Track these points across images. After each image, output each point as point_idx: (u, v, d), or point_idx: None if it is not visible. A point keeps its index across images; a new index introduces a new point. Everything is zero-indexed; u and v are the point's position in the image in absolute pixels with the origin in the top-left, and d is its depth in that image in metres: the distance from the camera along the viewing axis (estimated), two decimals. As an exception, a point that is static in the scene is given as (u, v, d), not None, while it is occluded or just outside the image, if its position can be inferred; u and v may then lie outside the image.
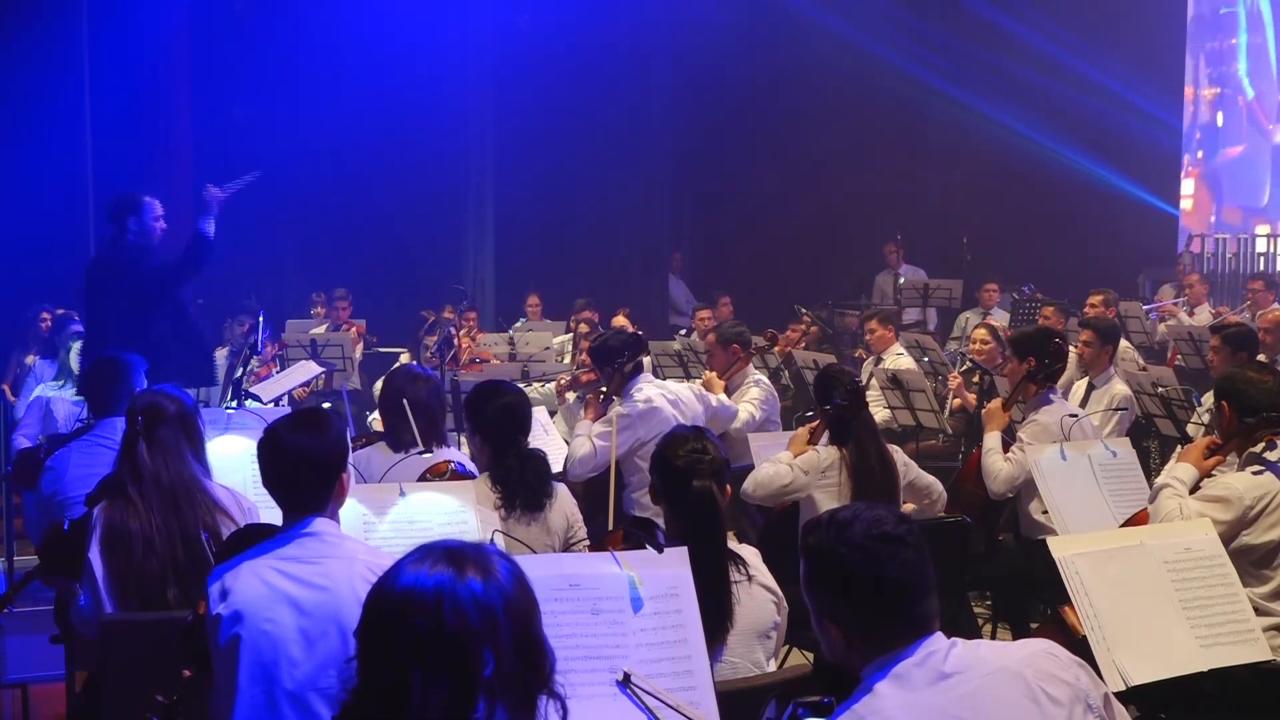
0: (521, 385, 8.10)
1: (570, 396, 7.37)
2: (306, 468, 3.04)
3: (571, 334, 11.10)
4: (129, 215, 7.17)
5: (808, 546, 2.34)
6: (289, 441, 3.06)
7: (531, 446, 4.53)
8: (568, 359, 10.67)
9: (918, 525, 2.33)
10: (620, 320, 10.94)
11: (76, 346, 8.68)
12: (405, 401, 4.75)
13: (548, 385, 9.04)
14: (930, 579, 2.28)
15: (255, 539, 3.07)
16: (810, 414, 5.68)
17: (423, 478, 4.44)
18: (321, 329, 11.38)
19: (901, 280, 13.39)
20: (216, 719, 2.89)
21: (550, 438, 6.40)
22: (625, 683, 2.77)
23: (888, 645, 2.24)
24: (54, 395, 8.08)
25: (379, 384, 7.15)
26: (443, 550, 1.90)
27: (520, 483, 4.31)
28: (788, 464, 5.10)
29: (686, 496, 3.42)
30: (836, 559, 2.27)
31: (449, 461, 4.57)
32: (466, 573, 1.87)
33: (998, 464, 5.49)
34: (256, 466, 4.20)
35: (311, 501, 3.04)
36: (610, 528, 4.60)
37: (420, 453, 4.65)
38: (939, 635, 2.27)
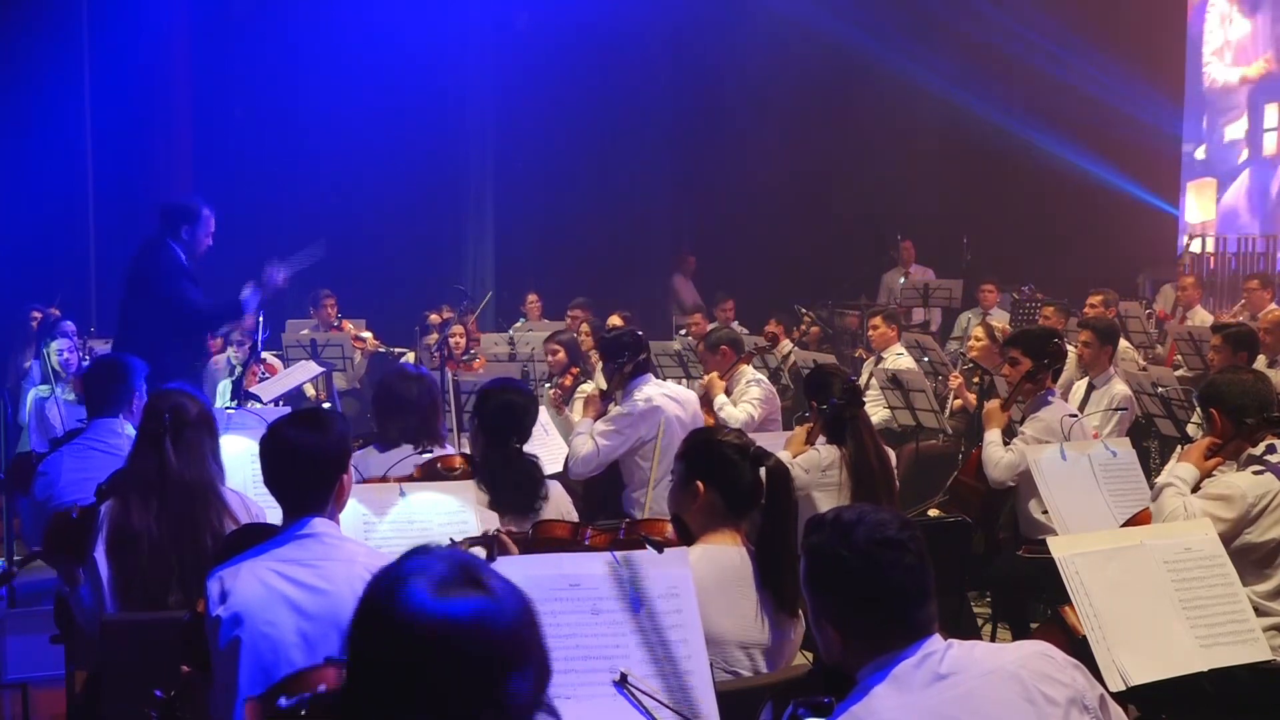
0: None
1: (577, 412, 7.30)
2: (306, 466, 3.04)
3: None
4: (184, 223, 6.94)
5: (810, 546, 2.34)
6: (290, 440, 3.06)
7: (528, 451, 4.53)
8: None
9: (920, 530, 2.33)
10: (616, 320, 10.94)
11: (55, 346, 8.67)
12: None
13: (546, 386, 9.03)
14: (930, 584, 2.28)
15: (254, 539, 3.07)
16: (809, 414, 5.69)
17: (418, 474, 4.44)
18: (306, 330, 11.36)
19: (901, 281, 13.40)
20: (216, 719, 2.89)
21: (550, 437, 6.40)
22: (622, 683, 2.77)
23: (885, 647, 2.24)
24: (46, 398, 8.07)
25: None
26: (458, 568, 1.71)
27: (508, 485, 4.31)
28: (788, 463, 5.10)
29: (746, 476, 3.38)
30: (838, 561, 2.27)
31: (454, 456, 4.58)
32: (496, 594, 1.70)
33: (998, 453, 5.51)
34: (256, 466, 4.21)
35: (311, 501, 3.04)
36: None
37: (420, 452, 4.65)
38: (936, 637, 2.27)
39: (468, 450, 4.86)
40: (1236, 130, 15.17)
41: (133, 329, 7.02)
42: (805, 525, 2.41)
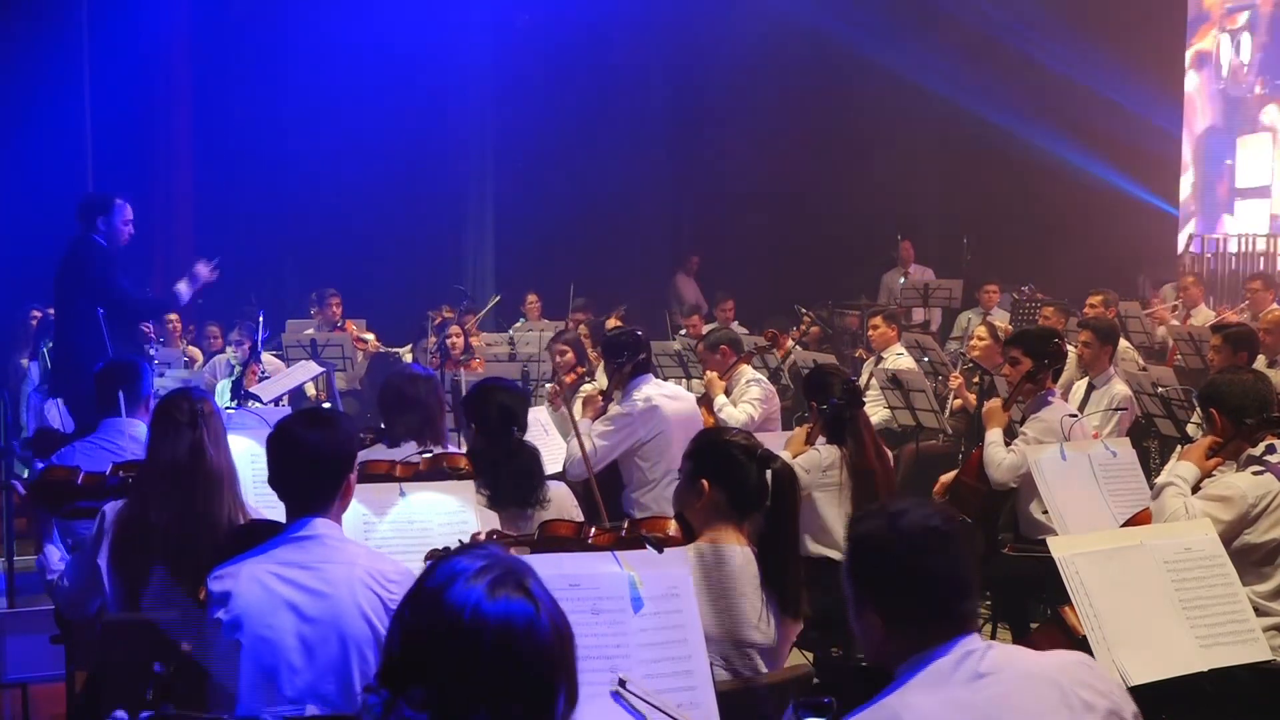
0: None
1: (577, 412, 7.28)
2: (313, 465, 3.03)
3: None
4: (98, 215, 7.12)
5: (858, 534, 2.37)
6: (299, 438, 3.05)
7: (530, 444, 4.55)
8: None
9: (964, 525, 2.36)
10: (614, 322, 10.94)
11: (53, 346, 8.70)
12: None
13: (547, 385, 9.03)
14: (973, 579, 2.31)
15: (257, 537, 3.07)
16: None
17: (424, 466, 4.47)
18: (311, 330, 11.37)
19: (901, 281, 13.39)
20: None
21: (550, 438, 6.40)
22: (620, 688, 2.77)
23: (927, 640, 2.26)
24: (45, 399, 8.07)
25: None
26: (509, 573, 1.80)
27: (509, 480, 4.32)
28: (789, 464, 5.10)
29: (752, 477, 3.39)
30: (888, 546, 2.30)
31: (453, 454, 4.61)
32: (539, 604, 1.79)
33: (1000, 454, 5.50)
34: (256, 466, 4.21)
35: (315, 502, 3.03)
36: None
37: (421, 452, 4.66)
38: (976, 636, 2.29)
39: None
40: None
41: (71, 326, 7.11)
42: (853, 518, 2.45)
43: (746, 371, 7.51)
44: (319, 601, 2.89)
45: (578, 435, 5.03)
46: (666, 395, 5.96)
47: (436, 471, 4.40)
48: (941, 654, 2.24)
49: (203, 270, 7.55)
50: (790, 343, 10.35)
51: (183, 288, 7.48)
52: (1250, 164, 14.77)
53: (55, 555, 3.97)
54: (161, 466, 3.72)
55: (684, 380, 8.93)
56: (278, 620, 2.86)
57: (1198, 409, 6.78)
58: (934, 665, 2.23)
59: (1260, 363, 7.20)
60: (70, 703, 4.26)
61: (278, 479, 3.08)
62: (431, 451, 4.68)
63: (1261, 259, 14.14)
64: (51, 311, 9.93)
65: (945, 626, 2.26)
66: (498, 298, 13.08)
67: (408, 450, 4.69)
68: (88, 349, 6.76)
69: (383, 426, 5.00)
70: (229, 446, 3.87)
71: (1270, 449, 4.21)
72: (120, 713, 2.03)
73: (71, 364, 6.95)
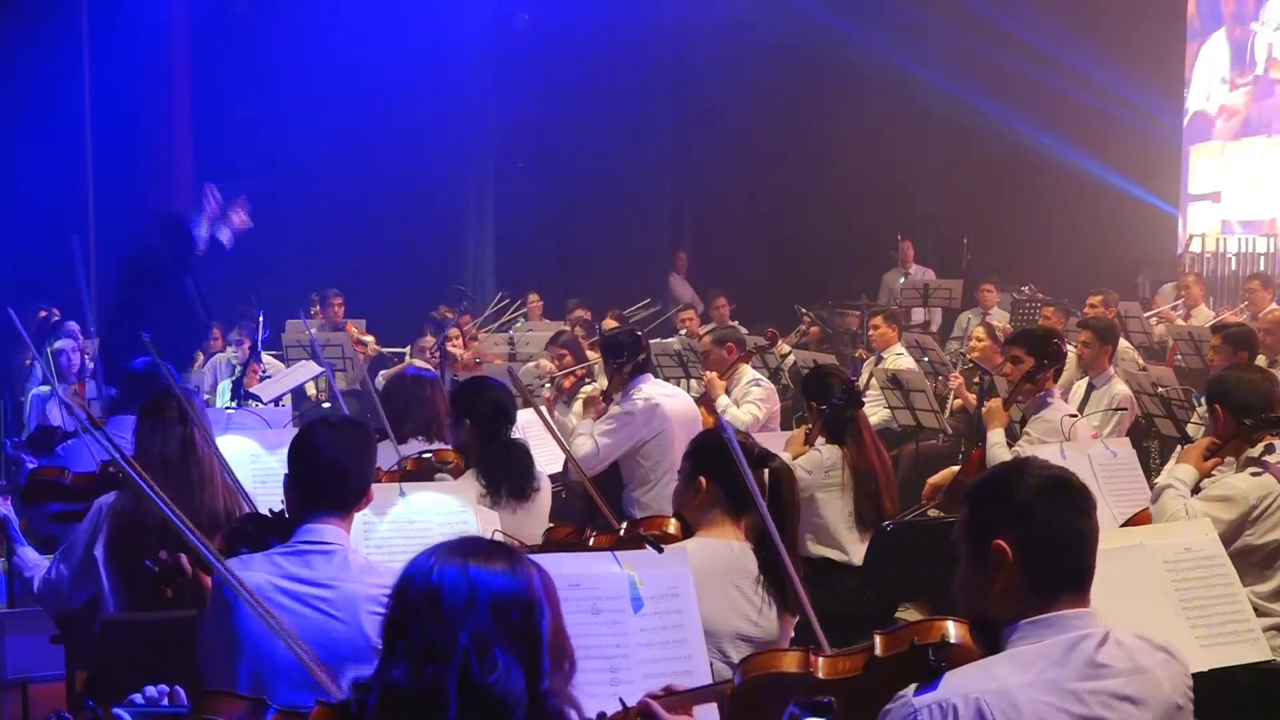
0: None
1: (576, 413, 7.25)
2: (339, 479, 3.00)
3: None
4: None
5: (997, 474, 2.42)
6: (326, 450, 3.01)
7: (519, 439, 4.63)
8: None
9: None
10: (610, 323, 10.92)
11: (56, 346, 8.68)
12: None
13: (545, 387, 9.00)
14: (1097, 538, 2.35)
15: (263, 529, 3.07)
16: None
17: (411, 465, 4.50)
18: (312, 331, 11.34)
19: (901, 281, 13.40)
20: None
21: (550, 437, 6.38)
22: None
23: (1056, 596, 2.27)
24: (47, 398, 8.08)
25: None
26: (488, 543, 2.07)
27: (506, 471, 4.37)
28: (791, 464, 5.10)
29: (737, 475, 3.38)
30: (1034, 484, 2.32)
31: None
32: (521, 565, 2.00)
33: (1004, 455, 5.49)
34: (256, 466, 4.22)
35: (331, 513, 2.99)
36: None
37: (421, 453, 4.67)
38: (1093, 615, 2.30)
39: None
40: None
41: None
42: (991, 471, 2.47)
43: (747, 372, 7.50)
44: (327, 622, 2.86)
45: (559, 441, 5.06)
46: (666, 394, 5.97)
47: (424, 471, 4.44)
48: (1065, 624, 2.25)
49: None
50: (782, 345, 10.33)
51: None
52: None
53: (31, 555, 3.97)
54: (152, 462, 3.72)
55: (684, 380, 8.92)
56: (277, 639, 2.81)
57: (1198, 409, 6.79)
58: (1049, 641, 2.23)
59: (1260, 362, 7.20)
60: (70, 703, 4.26)
61: (296, 481, 3.02)
62: (431, 451, 4.71)
63: (1261, 259, 14.14)
64: (55, 312, 9.96)
65: (1069, 580, 2.29)
66: (507, 303, 13.01)
67: (414, 448, 4.73)
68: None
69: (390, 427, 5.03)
70: (215, 441, 3.90)
71: (1269, 449, 4.21)
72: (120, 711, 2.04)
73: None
